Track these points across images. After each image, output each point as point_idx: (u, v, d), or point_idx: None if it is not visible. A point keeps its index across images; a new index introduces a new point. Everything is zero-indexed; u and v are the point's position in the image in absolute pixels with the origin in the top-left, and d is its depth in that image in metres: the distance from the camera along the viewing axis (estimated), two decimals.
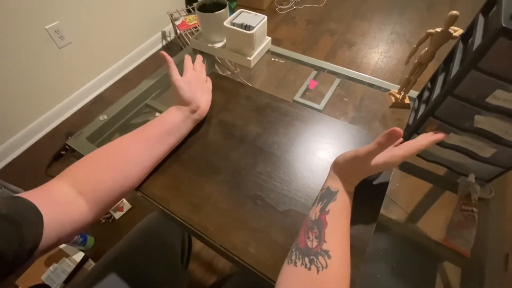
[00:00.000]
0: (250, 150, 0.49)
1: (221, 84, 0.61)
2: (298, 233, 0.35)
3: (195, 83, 0.52)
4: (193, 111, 0.48)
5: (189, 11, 1.95)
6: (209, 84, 0.58)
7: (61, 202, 0.33)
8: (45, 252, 0.31)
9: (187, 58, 0.56)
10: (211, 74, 0.64)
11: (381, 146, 0.33)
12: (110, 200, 0.38)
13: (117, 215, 1.20)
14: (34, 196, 0.31)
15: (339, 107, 0.67)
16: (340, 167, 0.38)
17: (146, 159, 0.42)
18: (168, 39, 2.08)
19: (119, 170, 0.39)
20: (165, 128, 0.45)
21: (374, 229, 0.39)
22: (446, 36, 0.50)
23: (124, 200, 1.24)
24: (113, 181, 0.38)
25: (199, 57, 0.61)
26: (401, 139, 0.39)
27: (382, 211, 0.41)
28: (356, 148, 0.47)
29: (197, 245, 1.04)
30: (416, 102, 0.59)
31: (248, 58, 0.69)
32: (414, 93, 0.63)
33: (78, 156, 0.55)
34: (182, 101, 0.48)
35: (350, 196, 0.37)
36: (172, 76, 0.48)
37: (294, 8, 2.33)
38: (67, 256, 1.07)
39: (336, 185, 0.37)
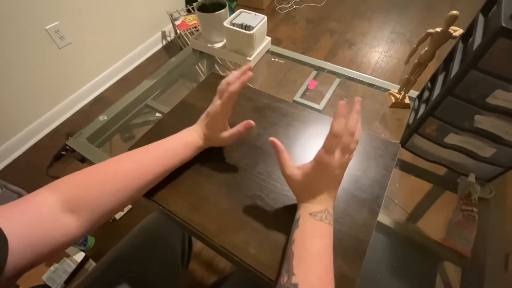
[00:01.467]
0: (250, 150, 0.49)
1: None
2: None
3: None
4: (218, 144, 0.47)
5: (189, 11, 1.95)
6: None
7: (43, 222, 0.30)
8: (16, 278, 0.27)
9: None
10: (211, 74, 0.64)
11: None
12: (104, 219, 0.36)
13: (118, 215, 1.20)
14: (9, 212, 0.28)
15: None
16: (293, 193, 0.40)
17: (148, 184, 0.40)
18: (168, 39, 2.08)
19: (123, 192, 0.37)
20: (178, 160, 0.43)
21: (374, 229, 0.39)
22: (446, 36, 0.50)
23: None
24: (113, 202, 0.36)
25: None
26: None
27: (382, 211, 0.41)
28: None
29: (197, 245, 1.04)
30: (416, 102, 0.59)
31: (248, 58, 0.69)
32: (414, 93, 0.63)
33: (78, 156, 0.55)
34: (216, 134, 0.44)
35: (323, 215, 0.35)
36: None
37: (294, 8, 2.33)
38: (68, 256, 1.07)
39: (298, 212, 0.37)
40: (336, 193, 0.38)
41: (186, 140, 0.44)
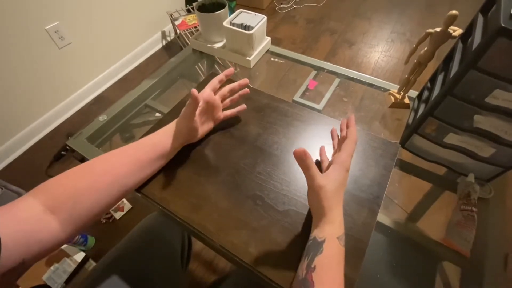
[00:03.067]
0: (250, 150, 0.49)
1: (221, 84, 0.61)
2: (297, 235, 0.35)
3: (205, 113, 0.48)
4: (188, 142, 0.48)
5: (188, 11, 1.95)
6: (219, 110, 0.50)
7: (27, 221, 0.31)
8: (9, 275, 0.28)
9: (214, 79, 0.50)
10: (211, 74, 0.64)
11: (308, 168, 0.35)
12: (87, 220, 0.35)
13: (118, 215, 1.20)
14: None
15: (339, 107, 0.67)
16: (312, 208, 0.37)
17: (132, 181, 0.40)
18: (168, 39, 2.08)
19: (102, 192, 0.36)
20: (158, 153, 0.43)
21: (373, 229, 0.39)
22: (445, 36, 0.50)
23: (124, 200, 1.24)
24: (93, 202, 0.35)
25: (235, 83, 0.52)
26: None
27: (382, 211, 0.41)
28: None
29: (197, 245, 1.04)
30: (416, 102, 0.59)
31: (248, 58, 0.69)
32: (413, 93, 0.63)
33: (78, 156, 0.55)
34: (185, 134, 0.45)
35: (341, 239, 0.34)
36: (192, 114, 0.43)
37: (294, 7, 2.33)
38: (68, 256, 1.07)
39: (322, 232, 0.34)
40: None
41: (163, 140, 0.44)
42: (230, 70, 0.50)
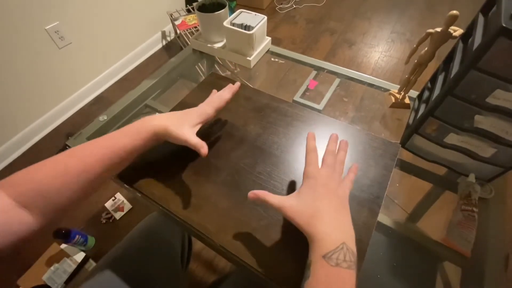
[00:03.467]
0: (250, 150, 0.49)
1: (221, 85, 0.61)
2: (297, 235, 0.35)
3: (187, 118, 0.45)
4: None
5: (189, 11, 1.95)
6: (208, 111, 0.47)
7: None
8: None
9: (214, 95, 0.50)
10: (211, 74, 0.64)
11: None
12: (62, 212, 0.35)
13: (118, 215, 1.20)
14: None
15: (339, 107, 0.67)
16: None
17: (108, 173, 0.39)
18: (168, 39, 2.08)
19: (75, 187, 0.35)
20: (132, 155, 0.41)
21: (374, 229, 0.39)
22: (446, 36, 0.50)
23: (124, 200, 1.24)
24: (66, 198, 0.35)
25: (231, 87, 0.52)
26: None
27: (382, 211, 0.41)
28: (355, 147, 0.47)
29: (197, 245, 1.04)
30: (416, 102, 0.59)
31: (248, 58, 0.69)
32: (414, 93, 0.63)
33: None
34: (173, 137, 0.42)
35: (340, 254, 0.29)
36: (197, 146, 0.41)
37: (294, 8, 2.33)
38: (68, 256, 1.07)
39: (310, 254, 0.30)
40: (350, 218, 0.34)
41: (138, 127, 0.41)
42: (237, 85, 0.52)
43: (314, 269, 0.29)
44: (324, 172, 0.37)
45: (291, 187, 0.44)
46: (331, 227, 0.31)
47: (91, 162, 0.37)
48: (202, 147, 0.41)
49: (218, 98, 0.48)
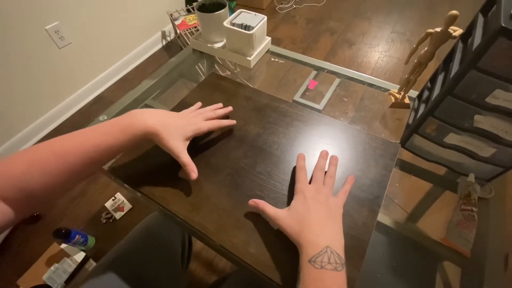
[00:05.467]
0: (250, 150, 0.49)
1: (221, 85, 0.61)
2: None
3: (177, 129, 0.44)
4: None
5: (188, 11, 1.95)
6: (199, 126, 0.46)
7: None
8: None
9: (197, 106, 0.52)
10: (211, 74, 0.64)
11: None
12: (40, 201, 0.35)
13: (118, 215, 1.20)
14: None
15: (339, 107, 0.67)
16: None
17: (90, 170, 0.38)
18: (168, 39, 2.08)
19: (55, 182, 0.35)
20: (114, 155, 0.40)
21: (374, 229, 0.39)
22: (445, 35, 0.50)
23: (124, 200, 1.24)
24: (45, 191, 0.34)
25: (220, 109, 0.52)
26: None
27: (382, 211, 0.41)
28: (355, 147, 0.47)
29: (197, 245, 1.04)
30: (416, 101, 0.59)
31: (248, 58, 0.69)
32: (414, 92, 0.63)
33: None
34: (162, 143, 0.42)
35: (324, 257, 0.30)
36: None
37: (294, 8, 2.33)
38: (68, 256, 1.07)
39: (300, 260, 0.33)
40: (339, 227, 0.36)
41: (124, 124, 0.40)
42: (219, 106, 0.53)
43: (302, 274, 0.31)
44: (313, 187, 0.40)
45: (291, 187, 0.44)
46: (316, 234, 0.33)
47: (70, 160, 0.36)
48: (193, 171, 0.42)
49: (217, 123, 0.48)
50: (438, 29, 0.50)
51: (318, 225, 0.35)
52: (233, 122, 0.51)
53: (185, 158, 0.42)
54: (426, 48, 0.54)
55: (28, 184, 0.33)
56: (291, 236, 0.36)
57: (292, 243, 0.36)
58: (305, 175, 0.42)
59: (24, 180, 0.33)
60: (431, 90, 0.52)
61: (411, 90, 0.63)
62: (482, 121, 0.42)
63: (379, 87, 0.68)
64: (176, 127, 0.43)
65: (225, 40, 0.73)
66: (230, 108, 0.53)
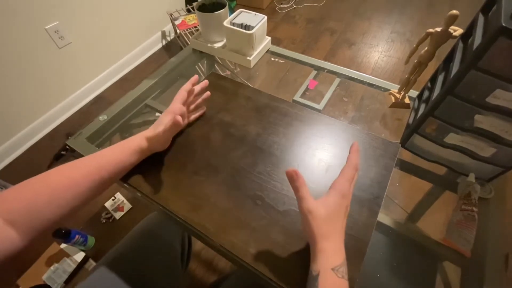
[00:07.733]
0: (250, 150, 0.49)
1: (221, 84, 0.61)
2: (297, 235, 0.35)
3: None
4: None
5: (188, 11, 1.94)
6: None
7: None
8: None
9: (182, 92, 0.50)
10: (211, 74, 0.64)
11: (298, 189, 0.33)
12: (47, 229, 0.36)
13: (118, 215, 1.20)
14: None
15: (339, 107, 0.67)
16: (305, 235, 0.35)
17: (94, 194, 0.41)
18: (168, 38, 2.08)
19: (62, 205, 0.36)
20: (121, 170, 0.43)
21: (374, 229, 0.39)
22: (446, 35, 0.50)
23: (124, 200, 1.24)
24: (52, 215, 0.35)
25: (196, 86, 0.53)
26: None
27: (382, 211, 0.41)
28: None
29: (197, 245, 1.04)
30: (416, 101, 0.59)
31: (248, 58, 0.69)
32: (414, 92, 0.63)
33: (78, 156, 0.55)
34: (153, 151, 0.47)
35: (344, 269, 0.31)
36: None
37: (294, 7, 2.33)
38: (68, 256, 1.07)
39: (316, 265, 0.31)
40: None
41: (128, 146, 0.44)
42: (195, 77, 0.52)
43: (323, 279, 0.30)
44: (351, 192, 0.36)
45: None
46: (341, 243, 0.34)
47: (78, 179, 0.38)
48: (176, 117, 0.41)
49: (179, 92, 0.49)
50: (438, 29, 0.50)
51: (341, 236, 0.34)
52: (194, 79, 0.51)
53: (167, 121, 0.44)
54: (426, 48, 0.54)
55: (37, 209, 0.34)
56: (314, 237, 0.33)
57: (292, 243, 0.36)
58: (354, 175, 0.36)
59: (33, 205, 0.34)
60: (431, 90, 0.52)
61: (411, 90, 0.62)
62: (483, 121, 0.42)
63: (379, 87, 0.68)
64: (154, 127, 0.47)
65: (225, 40, 0.73)
66: (206, 83, 0.53)
